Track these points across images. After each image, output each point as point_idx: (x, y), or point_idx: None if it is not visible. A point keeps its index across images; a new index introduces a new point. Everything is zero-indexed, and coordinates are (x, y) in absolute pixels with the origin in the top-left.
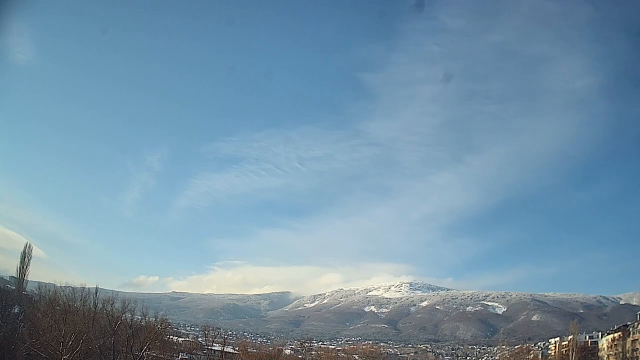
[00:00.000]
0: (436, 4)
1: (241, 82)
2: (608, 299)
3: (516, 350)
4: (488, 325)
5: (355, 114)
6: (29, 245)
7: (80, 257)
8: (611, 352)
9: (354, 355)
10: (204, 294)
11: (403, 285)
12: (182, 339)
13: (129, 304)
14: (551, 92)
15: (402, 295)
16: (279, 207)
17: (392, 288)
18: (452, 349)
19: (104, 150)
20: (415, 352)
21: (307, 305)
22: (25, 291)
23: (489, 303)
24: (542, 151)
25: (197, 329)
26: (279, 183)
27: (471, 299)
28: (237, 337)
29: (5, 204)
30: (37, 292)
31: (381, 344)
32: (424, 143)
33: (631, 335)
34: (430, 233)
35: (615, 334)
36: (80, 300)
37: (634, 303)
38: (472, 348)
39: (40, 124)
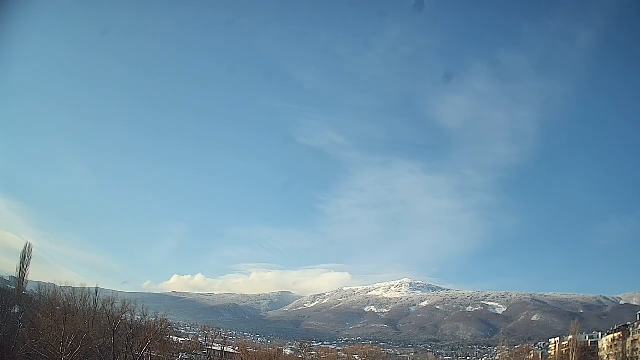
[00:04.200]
0: (358, 180)
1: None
2: (608, 299)
3: (516, 350)
4: (488, 325)
5: (320, 225)
6: (29, 245)
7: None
8: (611, 352)
9: (354, 355)
10: (204, 294)
11: (403, 285)
12: (182, 339)
13: (129, 304)
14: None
15: (402, 295)
16: None
17: (392, 288)
18: (452, 349)
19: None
20: (415, 352)
21: (307, 305)
22: (25, 291)
23: (489, 303)
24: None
25: (197, 329)
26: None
27: (471, 299)
28: (237, 337)
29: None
30: (37, 292)
31: (381, 344)
32: (367, 241)
33: (631, 335)
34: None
35: (615, 334)
36: (80, 300)
37: (634, 303)
38: (472, 348)
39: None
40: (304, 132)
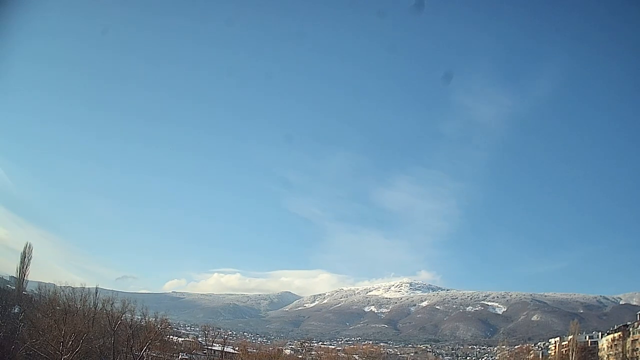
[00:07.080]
0: (337, 242)
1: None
2: (608, 299)
3: (516, 350)
4: (488, 325)
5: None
6: (29, 245)
7: None
8: (611, 352)
9: (354, 355)
10: (204, 294)
11: (403, 285)
12: (182, 339)
13: (129, 304)
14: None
15: (402, 295)
16: None
17: (392, 288)
18: (452, 349)
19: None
20: (415, 352)
21: (307, 305)
22: (25, 291)
23: (489, 303)
24: None
25: (197, 329)
26: None
27: (471, 299)
28: (237, 337)
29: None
30: (37, 292)
31: (381, 344)
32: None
33: (631, 335)
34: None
35: (615, 334)
36: (80, 300)
37: (634, 303)
38: (472, 348)
39: None
40: (294, 205)
